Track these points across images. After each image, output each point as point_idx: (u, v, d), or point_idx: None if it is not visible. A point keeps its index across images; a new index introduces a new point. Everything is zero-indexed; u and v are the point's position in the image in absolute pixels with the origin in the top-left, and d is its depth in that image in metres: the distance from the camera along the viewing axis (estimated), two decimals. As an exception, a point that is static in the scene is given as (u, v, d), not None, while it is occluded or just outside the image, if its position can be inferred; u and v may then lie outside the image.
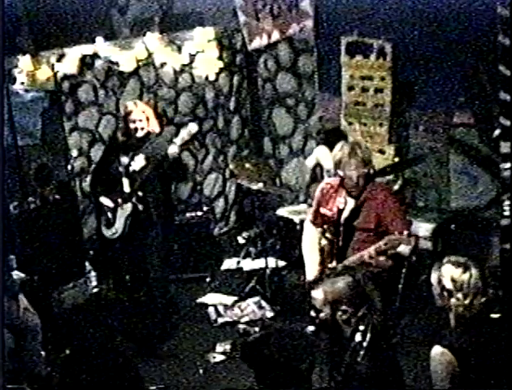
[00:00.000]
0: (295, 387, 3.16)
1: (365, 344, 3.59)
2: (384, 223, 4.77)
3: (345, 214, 4.84)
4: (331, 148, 6.20)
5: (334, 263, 4.83)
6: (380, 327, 3.75)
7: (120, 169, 5.59)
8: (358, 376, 3.56)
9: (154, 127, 5.61)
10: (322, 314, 3.81)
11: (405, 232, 4.55)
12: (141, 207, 5.60)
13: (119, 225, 5.65)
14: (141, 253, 5.77)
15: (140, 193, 5.59)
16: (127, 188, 5.59)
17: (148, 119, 5.56)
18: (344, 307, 3.72)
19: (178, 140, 5.53)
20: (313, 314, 3.87)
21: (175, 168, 5.63)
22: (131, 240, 5.72)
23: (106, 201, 5.67)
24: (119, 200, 5.62)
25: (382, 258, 4.65)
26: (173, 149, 5.48)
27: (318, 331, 4.86)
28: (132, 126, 5.53)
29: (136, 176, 5.56)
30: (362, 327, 3.63)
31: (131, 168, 5.57)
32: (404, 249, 4.70)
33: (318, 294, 3.83)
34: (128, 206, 5.61)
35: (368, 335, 3.61)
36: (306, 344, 3.80)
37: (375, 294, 4.20)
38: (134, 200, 5.59)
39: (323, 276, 4.47)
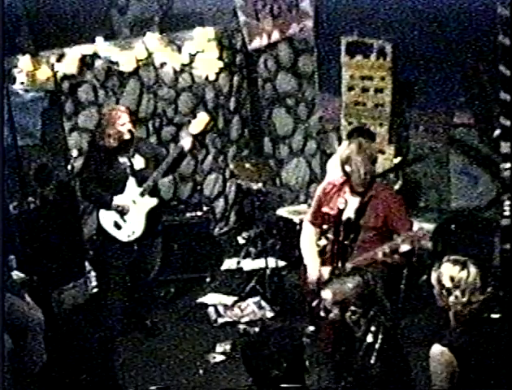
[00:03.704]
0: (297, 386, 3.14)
1: (377, 345, 3.58)
2: (390, 222, 4.83)
3: (350, 213, 4.84)
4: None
5: (339, 263, 4.80)
6: (391, 328, 3.75)
7: (123, 169, 5.55)
8: (370, 377, 3.56)
9: (132, 127, 5.62)
10: (331, 315, 3.81)
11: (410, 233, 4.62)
12: (155, 201, 5.62)
13: (136, 224, 5.56)
14: (149, 255, 5.78)
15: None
16: (134, 187, 5.54)
17: (130, 120, 5.58)
18: (353, 308, 3.71)
19: (193, 130, 5.60)
20: (322, 314, 3.87)
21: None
22: (146, 241, 5.68)
23: (120, 200, 5.54)
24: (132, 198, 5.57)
25: (396, 256, 4.64)
26: (187, 144, 5.60)
27: (319, 331, 4.86)
28: (122, 129, 5.50)
29: (144, 174, 5.57)
30: (373, 328, 3.62)
31: (135, 167, 5.57)
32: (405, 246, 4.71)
33: (327, 294, 3.83)
34: (147, 200, 5.57)
35: (380, 337, 3.60)
36: (306, 343, 3.78)
37: (384, 295, 4.18)
38: (149, 195, 5.57)
39: (332, 276, 4.47)
